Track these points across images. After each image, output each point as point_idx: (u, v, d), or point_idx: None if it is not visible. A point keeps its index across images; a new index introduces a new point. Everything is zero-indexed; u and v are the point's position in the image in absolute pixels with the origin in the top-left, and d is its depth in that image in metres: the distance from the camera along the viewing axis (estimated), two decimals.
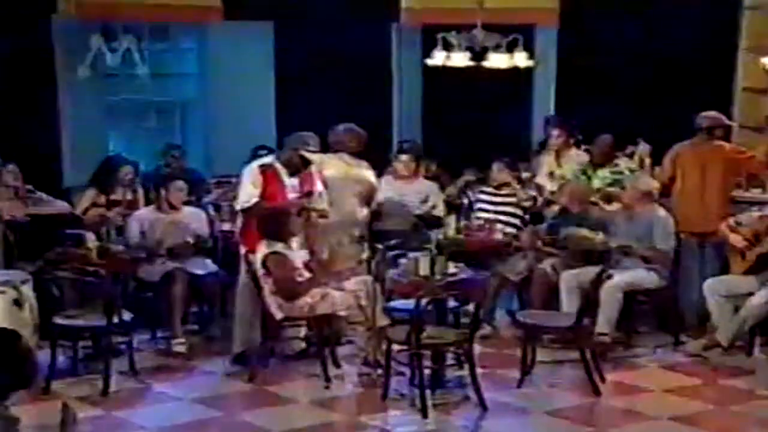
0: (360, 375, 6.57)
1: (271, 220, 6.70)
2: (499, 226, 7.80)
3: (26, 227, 7.35)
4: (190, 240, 7.39)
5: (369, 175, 7.41)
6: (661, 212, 7.33)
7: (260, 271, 6.47)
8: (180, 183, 7.56)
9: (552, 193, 8.18)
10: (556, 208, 7.97)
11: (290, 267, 6.51)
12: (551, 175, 8.49)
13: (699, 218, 7.65)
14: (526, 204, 7.96)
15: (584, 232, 7.25)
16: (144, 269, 7.30)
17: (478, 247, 7.61)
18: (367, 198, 7.38)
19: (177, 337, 7.16)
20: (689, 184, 7.83)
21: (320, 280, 6.57)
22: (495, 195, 8.07)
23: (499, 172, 8.04)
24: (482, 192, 8.18)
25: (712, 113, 7.95)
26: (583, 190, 7.83)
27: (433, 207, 8.15)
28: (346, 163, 7.31)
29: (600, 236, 7.16)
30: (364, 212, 7.31)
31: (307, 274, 6.61)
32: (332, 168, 7.23)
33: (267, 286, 6.48)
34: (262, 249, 6.52)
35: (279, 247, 6.52)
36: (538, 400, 6.30)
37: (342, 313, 6.61)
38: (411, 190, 8.19)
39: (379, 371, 6.36)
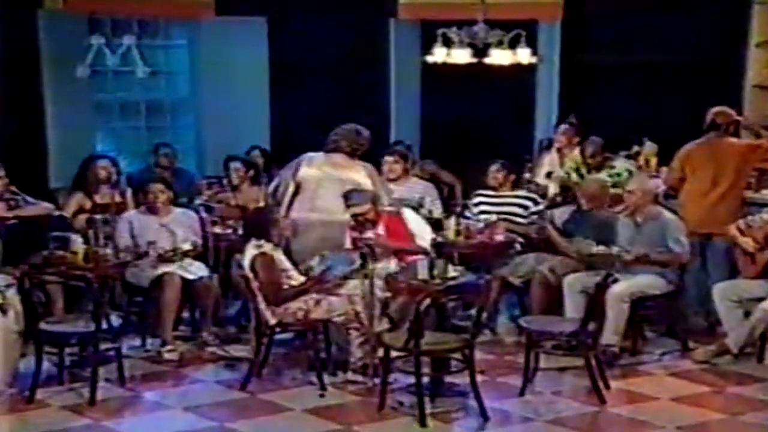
0: (346, 383, 6.44)
1: (256, 219, 6.62)
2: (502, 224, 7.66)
3: (11, 230, 7.21)
4: (186, 246, 7.23)
5: (358, 176, 7.23)
6: (668, 214, 7.19)
7: (249, 274, 6.36)
8: (155, 185, 7.42)
9: (556, 195, 8.07)
10: (563, 209, 7.83)
11: (278, 270, 6.41)
12: (549, 175, 8.39)
13: (706, 218, 7.47)
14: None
15: (600, 247, 7.03)
16: (133, 273, 7.16)
17: (479, 250, 7.49)
18: None
19: (168, 343, 7.03)
20: (699, 183, 7.64)
21: (310, 288, 6.46)
22: (495, 197, 7.96)
23: (497, 173, 7.94)
24: (481, 195, 8.06)
25: (725, 109, 7.74)
26: (597, 186, 7.65)
27: (430, 211, 7.96)
28: (333, 164, 7.22)
29: (616, 250, 6.95)
30: (347, 215, 7.02)
31: (297, 276, 6.50)
32: (313, 167, 7.21)
33: (257, 290, 6.38)
34: (250, 250, 6.41)
35: (268, 248, 6.42)
36: (540, 408, 6.19)
37: (337, 319, 6.47)
38: (403, 192, 8.07)
39: (376, 380, 6.22)
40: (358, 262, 6.34)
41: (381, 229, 6.91)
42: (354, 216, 6.81)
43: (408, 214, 7.20)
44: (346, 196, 6.93)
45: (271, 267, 6.37)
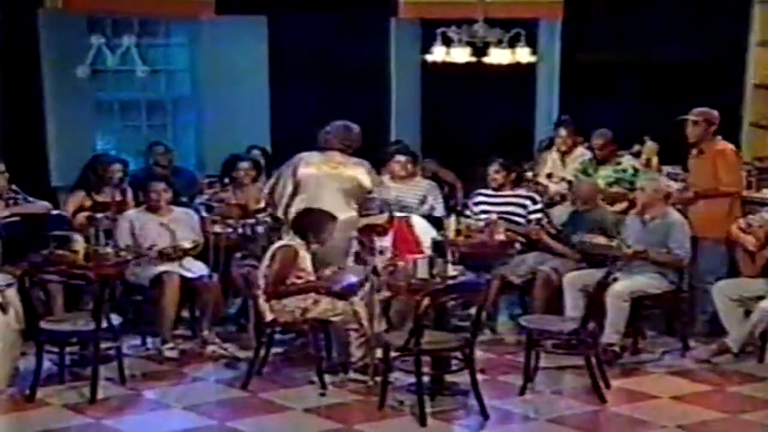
0: (346, 382, 6.44)
1: (303, 218, 6.60)
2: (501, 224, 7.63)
3: (11, 228, 7.18)
4: (187, 244, 7.20)
5: (358, 174, 7.13)
6: (676, 215, 7.13)
7: (266, 261, 6.35)
8: (157, 184, 7.40)
9: (557, 194, 8.05)
10: (563, 208, 7.84)
11: (295, 266, 6.39)
12: (549, 176, 8.36)
13: (732, 221, 7.31)
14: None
15: (600, 239, 7.03)
16: (133, 272, 7.14)
17: (479, 249, 7.47)
18: (355, 198, 7.11)
19: (168, 342, 7.02)
20: (740, 187, 7.51)
21: (315, 288, 6.45)
22: (495, 196, 7.92)
23: (496, 173, 7.90)
24: (481, 194, 8.03)
25: (707, 110, 7.51)
26: (588, 187, 7.66)
27: (432, 208, 8.05)
28: (331, 162, 7.12)
29: (616, 242, 6.97)
30: (348, 213, 6.98)
31: (308, 279, 6.48)
32: (311, 166, 7.08)
33: (261, 283, 6.35)
34: (281, 241, 6.48)
35: (296, 243, 6.43)
36: (541, 407, 6.18)
37: (335, 319, 6.45)
38: (409, 191, 8.11)
39: (377, 378, 6.21)
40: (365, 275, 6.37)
41: (388, 240, 6.90)
42: (367, 224, 6.82)
43: (416, 220, 7.20)
44: (361, 205, 6.93)
45: (288, 260, 6.35)
